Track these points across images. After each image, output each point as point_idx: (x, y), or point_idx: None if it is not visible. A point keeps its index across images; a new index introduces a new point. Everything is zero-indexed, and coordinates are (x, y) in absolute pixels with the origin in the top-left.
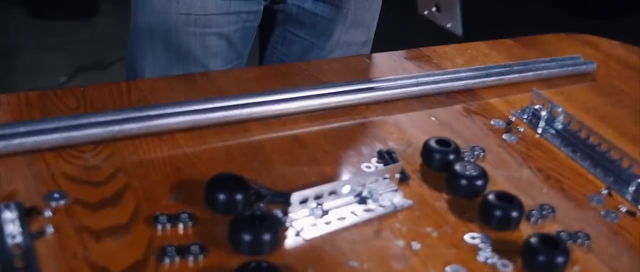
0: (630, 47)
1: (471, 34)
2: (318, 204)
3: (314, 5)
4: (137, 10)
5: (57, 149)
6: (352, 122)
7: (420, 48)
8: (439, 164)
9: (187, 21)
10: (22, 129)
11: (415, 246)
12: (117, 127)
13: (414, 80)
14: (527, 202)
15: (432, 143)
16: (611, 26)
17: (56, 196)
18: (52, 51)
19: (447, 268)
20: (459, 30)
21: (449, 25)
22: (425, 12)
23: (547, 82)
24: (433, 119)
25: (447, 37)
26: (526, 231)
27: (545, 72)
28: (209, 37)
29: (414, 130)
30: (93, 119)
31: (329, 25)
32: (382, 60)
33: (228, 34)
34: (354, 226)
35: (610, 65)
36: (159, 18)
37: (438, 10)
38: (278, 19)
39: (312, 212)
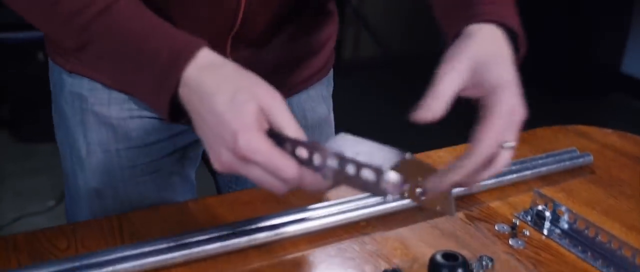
0: (623, 135)
1: (462, 131)
2: None
3: None
4: (76, 173)
5: None
6: (354, 240)
7: (414, 154)
8: None
9: (133, 173)
10: None
11: None
12: (110, 268)
13: None
14: None
15: (439, 258)
16: (587, 106)
17: None
18: (39, 175)
19: None
20: (453, 213)
21: (438, 208)
22: (405, 194)
23: (546, 178)
24: (436, 230)
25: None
26: None
27: (543, 169)
28: (161, 178)
29: (418, 244)
30: (84, 261)
31: None
32: None
33: (179, 170)
34: None
35: (606, 154)
36: (102, 178)
37: (423, 194)
38: None
39: None
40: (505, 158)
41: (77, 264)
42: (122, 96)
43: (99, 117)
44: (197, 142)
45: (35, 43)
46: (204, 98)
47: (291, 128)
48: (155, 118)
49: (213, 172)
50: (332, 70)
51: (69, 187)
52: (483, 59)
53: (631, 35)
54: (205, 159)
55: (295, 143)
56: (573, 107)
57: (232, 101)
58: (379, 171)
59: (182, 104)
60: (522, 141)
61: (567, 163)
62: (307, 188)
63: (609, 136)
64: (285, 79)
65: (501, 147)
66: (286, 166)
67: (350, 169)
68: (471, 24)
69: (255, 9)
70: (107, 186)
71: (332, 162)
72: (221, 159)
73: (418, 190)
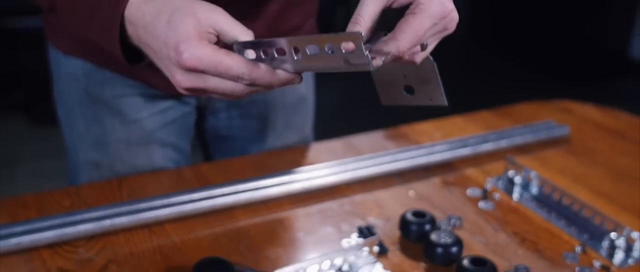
0: (604, 109)
1: (467, 106)
2: None
3: (242, 122)
4: (76, 146)
5: (52, 246)
6: (334, 201)
7: (399, 126)
8: (416, 236)
9: (128, 145)
10: (19, 228)
11: None
12: (108, 222)
13: (391, 157)
14: (503, 264)
15: (409, 216)
16: (595, 90)
17: None
18: (53, 157)
19: None
20: (444, 101)
21: (429, 100)
22: (395, 100)
23: (522, 149)
24: (411, 193)
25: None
26: None
27: (519, 139)
28: (153, 149)
29: (393, 205)
30: (86, 215)
31: (261, 135)
32: (363, 141)
33: (172, 142)
34: None
35: (584, 127)
36: (100, 149)
37: (411, 92)
38: (208, 137)
39: None
40: (420, 56)
41: (78, 217)
42: (114, 76)
43: (94, 96)
44: (188, 114)
45: None
46: (147, 27)
47: (241, 31)
48: (144, 95)
49: (203, 141)
50: None
51: (70, 160)
52: None
53: (639, 18)
54: (198, 130)
55: (262, 44)
56: (580, 92)
57: (170, 21)
58: (356, 37)
59: (135, 44)
60: (504, 114)
61: (543, 133)
62: (262, 82)
63: (589, 111)
64: None
65: (421, 45)
66: (234, 61)
67: (327, 47)
68: None
69: None
70: (104, 157)
71: (311, 48)
72: (176, 79)
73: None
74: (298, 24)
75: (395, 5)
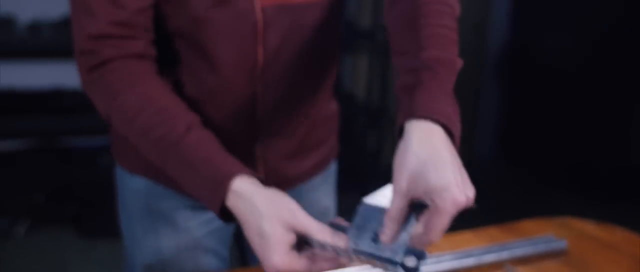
0: (601, 225)
1: (489, 221)
2: None
3: None
4: (134, 249)
5: None
6: None
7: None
8: None
9: (178, 250)
10: None
11: None
12: None
13: None
14: None
15: None
16: (624, 210)
17: None
18: (98, 267)
19: None
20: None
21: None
22: None
23: (522, 260)
24: None
25: None
26: None
27: (519, 251)
28: (199, 255)
29: None
30: None
31: None
32: None
33: (214, 248)
34: None
35: (582, 242)
36: (155, 253)
37: None
38: (245, 243)
39: None
40: None
41: None
42: (169, 191)
43: (152, 208)
44: (227, 225)
45: (97, 149)
46: (244, 223)
47: (316, 231)
48: (193, 207)
49: (240, 248)
50: (336, 164)
51: (128, 260)
52: (419, 169)
53: None
54: (236, 238)
55: (328, 247)
56: (604, 213)
57: (262, 234)
58: (392, 262)
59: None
60: (510, 230)
61: (542, 246)
62: None
63: (587, 226)
64: (296, 165)
65: None
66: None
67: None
68: (408, 119)
69: (270, 116)
70: (157, 261)
71: (357, 257)
72: (266, 267)
73: None
74: (322, 138)
75: (415, 200)
